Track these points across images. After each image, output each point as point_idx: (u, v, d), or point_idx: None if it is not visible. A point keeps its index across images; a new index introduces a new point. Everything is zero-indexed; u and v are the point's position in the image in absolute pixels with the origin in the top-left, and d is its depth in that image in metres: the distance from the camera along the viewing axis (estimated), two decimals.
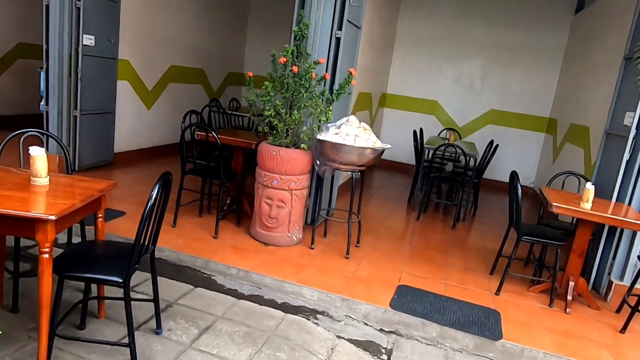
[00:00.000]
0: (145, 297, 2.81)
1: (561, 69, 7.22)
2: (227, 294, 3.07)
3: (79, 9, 4.79)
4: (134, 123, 6.24)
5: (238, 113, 6.52)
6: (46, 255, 1.87)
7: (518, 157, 7.59)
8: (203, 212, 4.36)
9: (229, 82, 8.51)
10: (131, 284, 2.87)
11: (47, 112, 5.05)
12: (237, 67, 8.68)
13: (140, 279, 3.02)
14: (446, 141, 6.10)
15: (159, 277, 3.06)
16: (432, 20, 7.76)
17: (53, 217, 1.79)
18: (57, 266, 1.94)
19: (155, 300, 2.44)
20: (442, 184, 5.38)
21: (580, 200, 3.27)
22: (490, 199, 6.75)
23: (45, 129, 5.09)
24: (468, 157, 5.16)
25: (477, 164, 5.35)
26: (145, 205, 1.97)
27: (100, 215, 2.35)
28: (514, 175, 3.50)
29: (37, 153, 2.10)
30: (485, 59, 7.63)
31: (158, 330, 2.49)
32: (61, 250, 2.18)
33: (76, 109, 5.03)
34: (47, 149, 3.23)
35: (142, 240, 2.08)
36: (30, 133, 2.68)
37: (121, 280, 2.00)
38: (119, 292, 2.19)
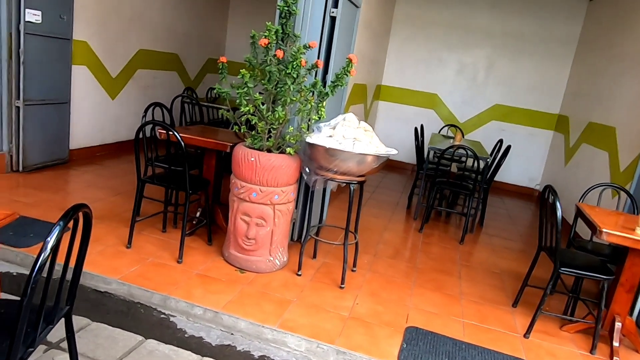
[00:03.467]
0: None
1: (574, 60, 6.58)
2: (188, 345, 2.36)
3: None
4: (96, 115, 5.43)
5: (216, 105, 5.74)
6: None
7: (524, 156, 6.97)
8: (167, 226, 3.62)
9: (208, 69, 7.69)
10: (54, 338, 2.14)
11: None
12: (217, 52, 7.85)
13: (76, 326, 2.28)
14: (451, 141, 5.43)
15: (97, 323, 2.36)
16: (433, 5, 7.03)
17: None
18: None
19: None
20: (446, 188, 4.73)
21: (635, 224, 2.62)
22: (494, 203, 6.12)
23: None
24: (479, 161, 4.48)
25: (487, 168, 4.68)
26: (40, 250, 1.24)
27: None
28: (549, 191, 2.82)
29: None
30: (490, 49, 6.95)
31: None
32: None
33: (19, 98, 4.21)
34: None
35: (42, 302, 1.36)
36: None
37: None
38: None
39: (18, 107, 4.24)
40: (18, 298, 1.24)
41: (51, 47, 4.43)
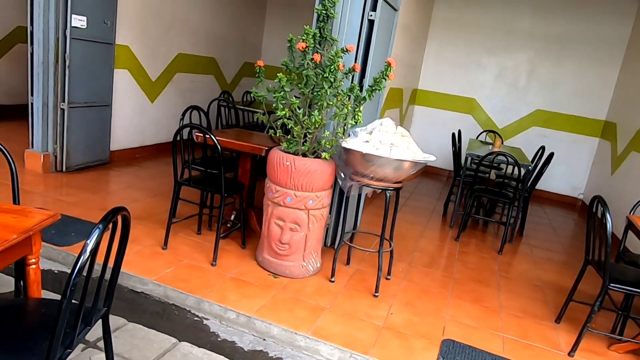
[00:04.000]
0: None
1: (622, 64, 6.27)
2: (221, 350, 2.35)
3: None
4: (136, 118, 5.56)
5: (251, 109, 5.78)
6: None
7: (566, 164, 6.69)
8: (202, 228, 3.65)
9: (244, 73, 7.78)
10: (92, 337, 2.18)
11: (31, 104, 4.40)
12: (253, 56, 7.93)
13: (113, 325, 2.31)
14: (490, 147, 5.27)
15: (134, 324, 2.38)
16: (472, 8, 6.87)
17: None
18: None
19: None
20: (484, 196, 4.58)
21: None
22: (534, 212, 5.89)
23: (30, 123, 4.46)
24: (520, 168, 4.31)
25: (529, 176, 4.50)
26: (80, 252, 1.25)
27: (32, 260, 1.64)
28: (598, 202, 2.67)
29: None
30: (532, 52, 6.71)
31: None
32: None
33: (64, 101, 4.36)
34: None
35: (80, 304, 1.37)
36: None
37: None
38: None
39: (63, 110, 4.39)
40: (59, 297, 1.25)
41: (95, 52, 4.57)
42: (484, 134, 6.64)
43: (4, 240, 1.39)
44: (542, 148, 5.23)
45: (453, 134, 5.23)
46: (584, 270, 2.93)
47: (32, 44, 4.25)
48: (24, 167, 4.47)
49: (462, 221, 4.49)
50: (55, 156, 4.51)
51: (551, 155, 4.67)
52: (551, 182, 6.75)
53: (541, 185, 6.41)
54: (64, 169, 4.53)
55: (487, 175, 5.12)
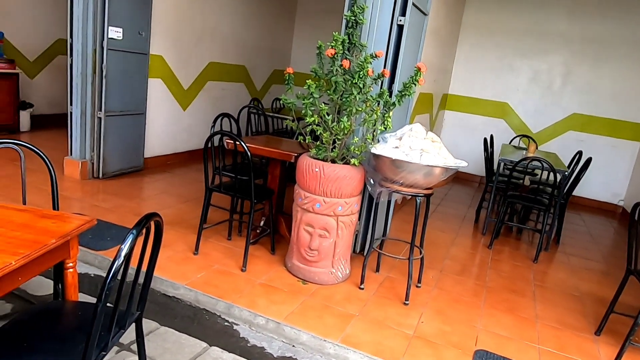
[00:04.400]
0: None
1: None
2: (250, 355, 2.36)
3: None
4: (169, 125, 5.70)
5: (281, 115, 5.83)
6: None
7: (606, 169, 6.44)
8: (232, 234, 3.69)
9: (274, 80, 7.87)
10: (126, 340, 2.22)
11: (70, 113, 4.57)
12: (283, 63, 8.01)
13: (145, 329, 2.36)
14: (524, 152, 5.13)
15: (166, 328, 2.42)
16: (504, 10, 6.73)
17: None
18: None
19: None
20: (518, 203, 4.45)
21: None
22: (571, 219, 5.69)
23: (69, 131, 4.63)
24: (555, 174, 4.18)
25: (565, 181, 4.35)
26: (115, 256, 1.27)
27: (70, 264, 1.70)
28: None
29: None
30: (568, 55, 6.52)
31: None
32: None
33: (100, 110, 4.51)
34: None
35: (115, 308, 1.41)
36: (3, 145, 2.07)
37: None
38: None
39: (100, 118, 4.54)
40: (95, 300, 1.29)
41: (130, 62, 4.71)
42: (518, 138, 6.47)
43: (44, 245, 1.44)
44: (579, 153, 5.06)
45: (485, 139, 5.13)
46: (625, 280, 2.81)
47: (71, 55, 4.43)
48: (63, 174, 4.63)
49: (494, 228, 4.38)
50: (93, 163, 4.66)
51: (589, 160, 4.50)
52: (589, 188, 6.52)
53: (579, 191, 6.19)
54: (100, 175, 4.67)
55: (521, 181, 4.99)
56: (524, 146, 5.98)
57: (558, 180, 4.18)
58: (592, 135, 6.51)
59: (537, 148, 5.88)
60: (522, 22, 6.66)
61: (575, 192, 6.20)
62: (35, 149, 2.06)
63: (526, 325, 2.94)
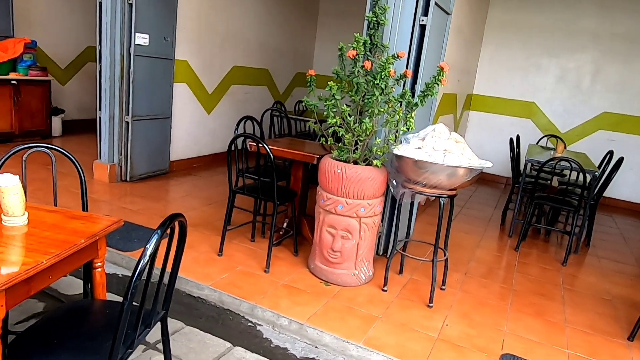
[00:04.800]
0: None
1: None
2: (273, 356, 2.37)
3: (131, 5, 4.36)
4: (193, 129, 5.80)
5: (303, 118, 5.86)
6: None
7: (638, 169, 6.22)
8: (256, 235, 3.72)
9: (297, 83, 7.91)
10: (152, 339, 2.27)
11: (99, 118, 4.70)
12: (305, 66, 8.05)
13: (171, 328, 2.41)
14: (552, 152, 5.01)
15: (191, 327, 2.46)
16: (530, 8, 6.60)
17: None
18: (12, 353, 1.34)
19: None
20: (545, 204, 4.34)
21: None
22: (602, 221, 5.53)
23: (98, 136, 4.76)
24: (585, 174, 4.06)
25: (595, 182, 4.23)
26: (140, 256, 1.30)
27: (98, 264, 1.74)
28: None
29: (7, 184, 1.52)
30: (598, 53, 6.34)
31: None
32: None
33: (128, 114, 4.62)
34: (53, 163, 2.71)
35: (140, 306, 1.44)
36: (36, 149, 2.14)
37: None
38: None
39: (127, 123, 4.65)
40: (122, 299, 1.32)
41: (156, 67, 4.82)
42: (545, 138, 6.32)
43: (73, 245, 1.48)
44: (610, 153, 4.91)
45: (511, 139, 5.03)
46: None
47: (100, 62, 4.56)
48: (93, 177, 4.77)
49: (521, 230, 4.28)
50: (120, 166, 4.78)
51: (620, 160, 4.36)
52: (621, 189, 6.31)
53: (610, 192, 6.01)
54: (128, 178, 4.79)
55: (549, 182, 4.87)
56: (552, 146, 5.84)
57: (588, 180, 4.07)
58: (624, 134, 6.31)
59: (565, 148, 5.72)
60: (549, 20, 6.51)
61: (606, 193, 5.99)
62: (66, 153, 2.13)
63: (555, 329, 2.87)
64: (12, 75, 5.70)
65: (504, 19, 6.77)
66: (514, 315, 2.98)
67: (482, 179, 7.06)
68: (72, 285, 2.77)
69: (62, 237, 1.54)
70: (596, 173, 4.19)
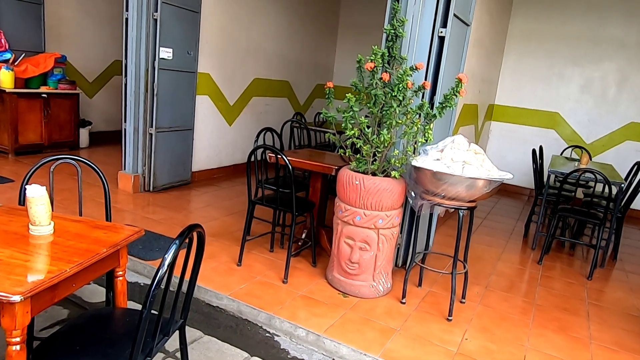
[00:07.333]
0: None
1: None
2: None
3: (156, 20, 4.49)
4: (215, 140, 5.90)
5: (323, 129, 5.90)
6: (16, 348, 1.31)
7: None
8: (275, 246, 3.75)
9: (317, 94, 7.97)
10: (171, 348, 2.30)
11: (125, 130, 4.83)
12: (325, 78, 8.11)
13: (189, 337, 2.44)
14: (576, 163, 4.91)
15: (209, 337, 2.49)
16: (553, 17, 6.52)
17: (17, 298, 1.22)
18: (37, 358, 1.38)
19: None
20: (570, 217, 4.25)
21: None
22: (630, 234, 5.37)
23: (123, 147, 4.89)
24: (611, 186, 3.96)
25: (622, 194, 4.12)
26: (159, 266, 1.34)
27: (120, 273, 1.79)
28: None
29: (35, 194, 1.58)
30: (624, 61, 6.21)
31: None
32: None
33: (152, 126, 4.74)
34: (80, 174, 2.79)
35: (159, 315, 1.47)
36: (63, 160, 2.22)
37: None
38: None
39: (151, 134, 4.76)
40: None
41: (179, 80, 4.93)
42: (570, 149, 6.20)
43: (96, 254, 1.53)
44: (638, 164, 4.78)
45: (533, 150, 4.95)
46: None
47: (126, 75, 4.69)
48: (117, 188, 4.89)
49: (545, 243, 4.20)
50: (144, 177, 4.89)
51: None
52: None
53: (638, 204, 5.83)
54: (151, 188, 4.89)
55: (573, 193, 4.76)
56: (577, 157, 5.72)
57: (614, 192, 3.97)
58: None
59: (590, 159, 5.60)
60: (572, 29, 6.42)
61: (634, 205, 5.83)
62: (91, 164, 2.20)
63: (579, 346, 2.79)
64: (42, 89, 5.92)
65: (526, 29, 6.70)
66: (537, 331, 2.91)
67: (504, 190, 6.95)
68: (95, 293, 2.83)
69: (85, 246, 1.59)
70: (622, 185, 4.08)
